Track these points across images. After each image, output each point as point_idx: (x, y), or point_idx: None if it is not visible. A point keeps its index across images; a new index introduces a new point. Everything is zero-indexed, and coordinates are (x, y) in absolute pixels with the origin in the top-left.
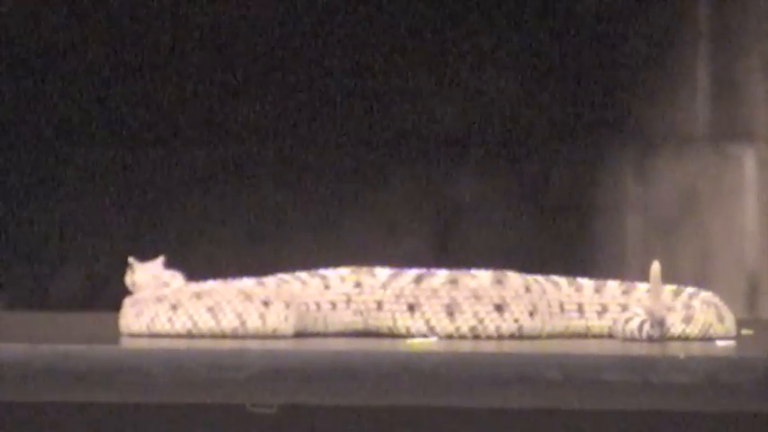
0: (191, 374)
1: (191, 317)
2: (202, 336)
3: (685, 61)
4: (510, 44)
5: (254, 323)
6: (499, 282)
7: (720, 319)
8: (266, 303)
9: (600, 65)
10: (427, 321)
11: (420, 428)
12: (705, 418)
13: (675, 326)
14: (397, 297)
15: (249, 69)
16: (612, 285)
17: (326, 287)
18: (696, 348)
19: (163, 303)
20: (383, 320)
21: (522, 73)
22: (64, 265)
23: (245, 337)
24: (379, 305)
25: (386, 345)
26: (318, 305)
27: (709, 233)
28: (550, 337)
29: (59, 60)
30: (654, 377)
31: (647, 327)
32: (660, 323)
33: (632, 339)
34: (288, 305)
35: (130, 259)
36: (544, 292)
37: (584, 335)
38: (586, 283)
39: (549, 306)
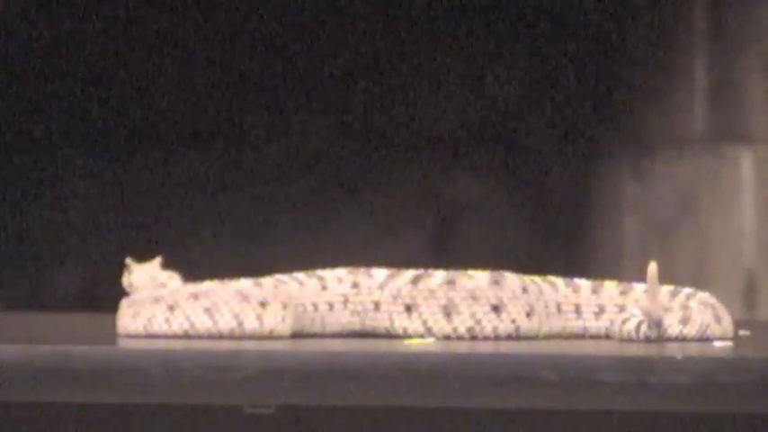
0: (188, 375)
1: (188, 318)
2: (199, 336)
3: (683, 63)
4: (508, 45)
5: (251, 324)
6: (496, 282)
7: (718, 319)
8: (263, 304)
9: (598, 66)
10: (424, 322)
11: (417, 429)
12: (702, 418)
13: (673, 327)
14: (395, 298)
15: (246, 70)
16: (610, 286)
17: (324, 288)
18: (693, 349)
19: (160, 304)
20: (380, 321)
21: (521, 74)
22: (61, 265)
23: (242, 337)
24: (377, 306)
25: (383, 345)
26: (316, 306)
27: (706, 234)
28: (547, 337)
29: (56, 62)
30: (651, 378)
31: (644, 327)
32: (657, 324)
33: (629, 340)
34: (285, 306)
35: (127, 260)
36: (541, 292)
37: (582, 336)
38: (583, 283)
39: (547, 307)
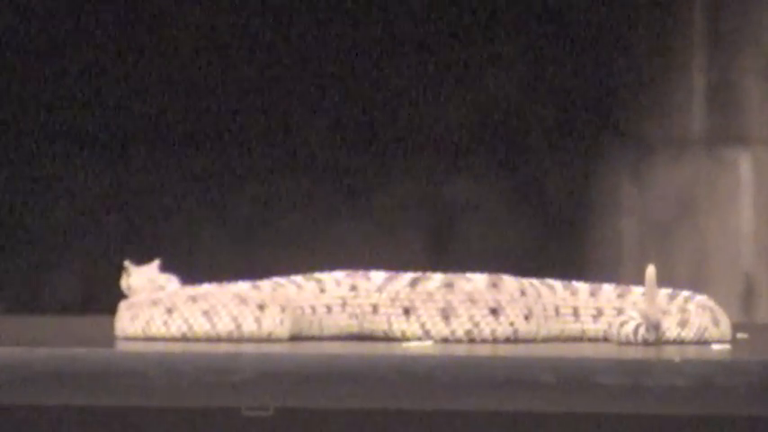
0: (186, 378)
1: (186, 320)
2: (198, 339)
3: (681, 65)
4: (507, 47)
5: (249, 326)
6: (494, 285)
7: (716, 322)
8: (262, 307)
9: (596, 68)
10: (423, 325)
11: None
12: (700, 421)
13: (671, 329)
14: (393, 300)
15: (244, 72)
16: (608, 289)
17: (322, 291)
18: (691, 352)
19: (158, 307)
20: (378, 324)
21: (519, 76)
22: (60, 268)
23: (240, 340)
24: (375, 309)
25: (381, 348)
26: (314, 308)
27: (704, 236)
28: (546, 340)
29: (53, 63)
30: (649, 380)
31: (642, 330)
32: (655, 327)
33: (627, 343)
34: (283, 309)
35: (126, 263)
36: (539, 295)
37: (580, 338)
38: (582, 286)
39: (545, 309)
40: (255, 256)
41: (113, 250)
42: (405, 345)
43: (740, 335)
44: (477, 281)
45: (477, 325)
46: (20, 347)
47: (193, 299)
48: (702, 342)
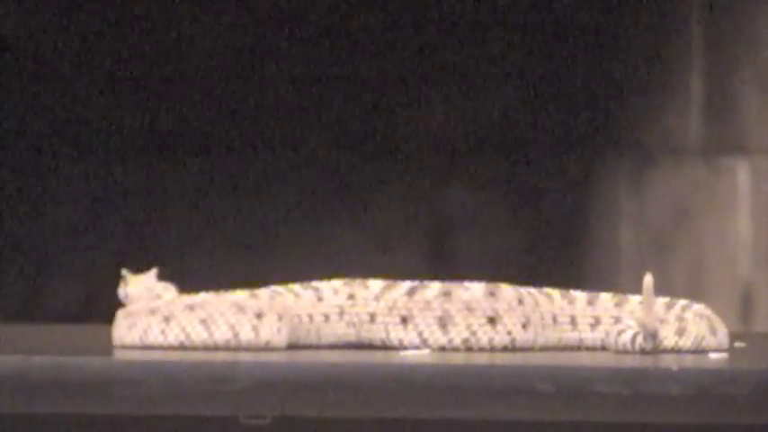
0: (183, 386)
1: (183, 329)
2: (195, 348)
3: (679, 74)
4: (504, 56)
5: (246, 335)
6: (492, 294)
7: (713, 331)
8: (259, 315)
9: (593, 77)
10: (420, 333)
11: None
12: (698, 430)
13: (668, 338)
14: (390, 309)
15: (242, 81)
16: (605, 298)
17: (319, 299)
18: (689, 361)
19: (156, 315)
20: (376, 332)
21: (516, 85)
22: (57, 277)
23: (237, 349)
24: (372, 317)
25: (379, 357)
26: (311, 317)
27: (702, 245)
28: (543, 349)
29: (53, 70)
30: (646, 389)
31: (639, 339)
32: (653, 335)
33: (625, 352)
34: (281, 317)
35: (123, 271)
36: (537, 304)
37: (577, 347)
38: (579, 295)
39: (542, 318)
40: (253, 264)
41: (111, 259)
42: (402, 353)
43: (738, 344)
44: (474, 290)
45: (474, 334)
46: (17, 356)
47: (191, 307)
48: (700, 351)
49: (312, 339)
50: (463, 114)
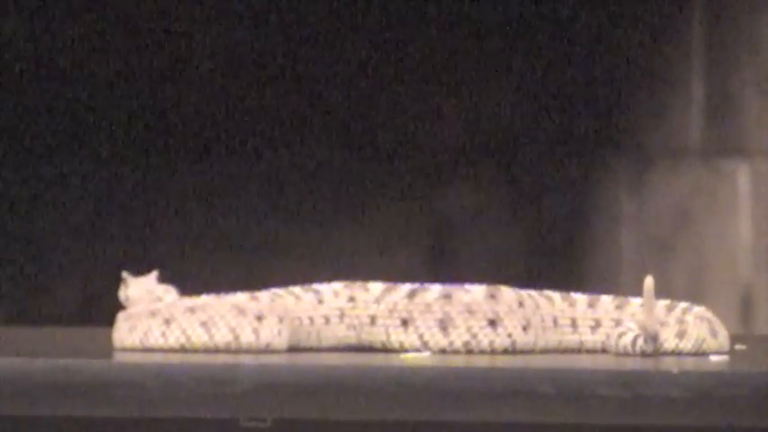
0: (184, 389)
1: (184, 331)
2: (195, 350)
3: (680, 76)
4: (505, 59)
5: (247, 338)
6: (492, 297)
7: (714, 334)
8: (260, 318)
9: (594, 80)
10: (420, 336)
11: None
12: None
13: (669, 341)
14: (391, 312)
15: (243, 84)
16: (606, 300)
17: (320, 301)
18: (689, 363)
19: (156, 318)
20: (376, 335)
21: (517, 87)
22: (58, 279)
23: (238, 351)
24: (373, 320)
25: (379, 359)
26: (312, 319)
27: (702, 248)
28: (544, 351)
29: (53, 70)
30: (647, 392)
31: (640, 341)
32: (653, 338)
33: (625, 354)
34: (281, 320)
35: (124, 274)
36: (537, 306)
37: (578, 350)
38: (580, 297)
39: (543, 321)
40: (254, 267)
41: (111, 261)
42: (402, 356)
43: (738, 346)
44: (475, 292)
45: (475, 336)
46: (18, 358)
47: (191, 310)
48: (700, 353)
49: (312, 342)
50: (463, 116)
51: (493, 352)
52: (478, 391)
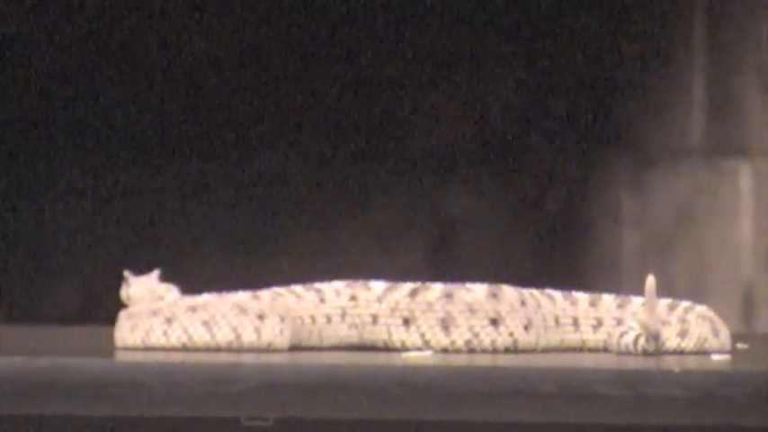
0: (185, 388)
1: (186, 330)
2: (197, 349)
3: (681, 76)
4: (505, 58)
5: (249, 337)
6: (494, 295)
7: (715, 333)
8: (261, 317)
9: (595, 79)
10: (422, 335)
11: None
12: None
13: (670, 340)
14: (393, 311)
15: (244, 82)
16: (608, 299)
17: (322, 300)
18: (691, 362)
19: (158, 317)
20: (378, 334)
21: (517, 87)
22: (60, 278)
23: (240, 350)
24: (375, 319)
25: (381, 358)
26: (313, 318)
27: (704, 247)
28: (545, 350)
29: (53, 70)
30: (649, 391)
31: (642, 341)
32: (655, 337)
33: (627, 353)
34: (283, 319)
35: (126, 273)
36: (539, 305)
37: (580, 348)
38: (581, 296)
39: (545, 320)
40: (255, 266)
41: (113, 260)
42: (404, 355)
43: (740, 345)
44: (476, 291)
45: (476, 335)
46: (19, 357)
47: (193, 309)
48: (702, 352)
49: (314, 341)
50: (465, 118)
51: (494, 351)
52: (480, 390)
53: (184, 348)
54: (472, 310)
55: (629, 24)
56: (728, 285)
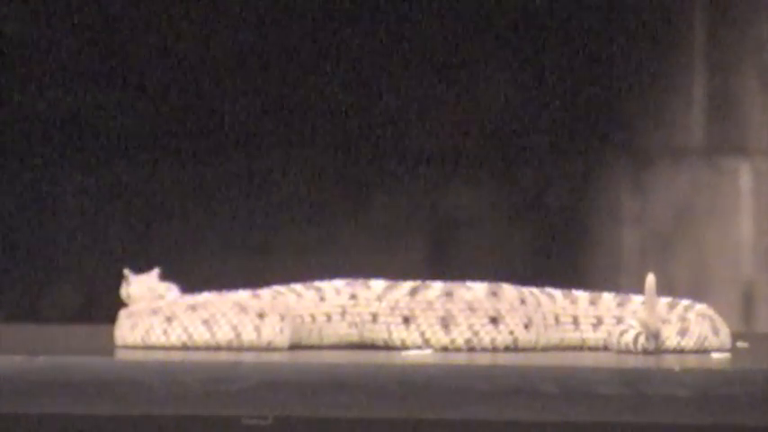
0: (185, 386)
1: (186, 329)
2: (197, 348)
3: (681, 75)
4: (505, 57)
5: (249, 335)
6: (494, 294)
7: (716, 331)
8: (261, 316)
9: (595, 78)
10: (422, 334)
11: None
12: (700, 430)
13: (670, 338)
14: (393, 309)
15: (246, 82)
16: (608, 298)
17: (322, 299)
18: (691, 361)
19: (158, 315)
20: (378, 333)
21: (517, 86)
22: (59, 277)
23: (240, 349)
24: (375, 317)
25: (381, 357)
26: (314, 317)
27: (704, 246)
28: (545, 349)
29: (53, 70)
30: (649, 390)
31: (642, 339)
32: (655, 336)
33: (627, 352)
34: (283, 317)
35: (126, 271)
36: (539, 304)
37: (580, 347)
38: (581, 295)
39: (545, 318)
40: (254, 264)
41: (113, 259)
42: (404, 353)
43: (740, 344)
44: (476, 290)
45: (476, 334)
46: (19, 356)
47: (193, 308)
48: (702, 351)
49: (314, 339)
50: (465, 117)
51: (494, 349)
52: (480, 389)
53: (184, 347)
54: (472, 309)
55: (629, 24)
56: (728, 284)
